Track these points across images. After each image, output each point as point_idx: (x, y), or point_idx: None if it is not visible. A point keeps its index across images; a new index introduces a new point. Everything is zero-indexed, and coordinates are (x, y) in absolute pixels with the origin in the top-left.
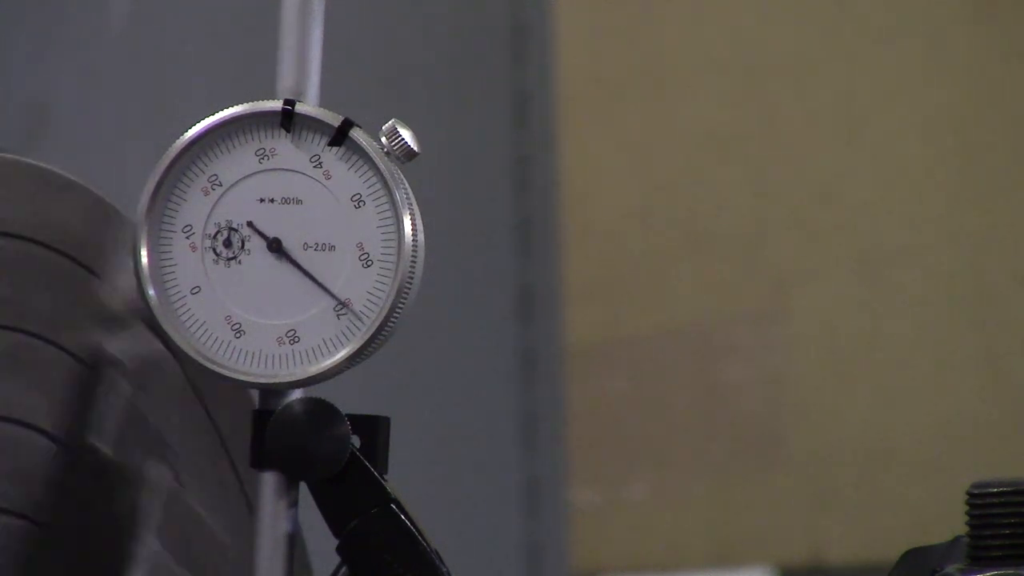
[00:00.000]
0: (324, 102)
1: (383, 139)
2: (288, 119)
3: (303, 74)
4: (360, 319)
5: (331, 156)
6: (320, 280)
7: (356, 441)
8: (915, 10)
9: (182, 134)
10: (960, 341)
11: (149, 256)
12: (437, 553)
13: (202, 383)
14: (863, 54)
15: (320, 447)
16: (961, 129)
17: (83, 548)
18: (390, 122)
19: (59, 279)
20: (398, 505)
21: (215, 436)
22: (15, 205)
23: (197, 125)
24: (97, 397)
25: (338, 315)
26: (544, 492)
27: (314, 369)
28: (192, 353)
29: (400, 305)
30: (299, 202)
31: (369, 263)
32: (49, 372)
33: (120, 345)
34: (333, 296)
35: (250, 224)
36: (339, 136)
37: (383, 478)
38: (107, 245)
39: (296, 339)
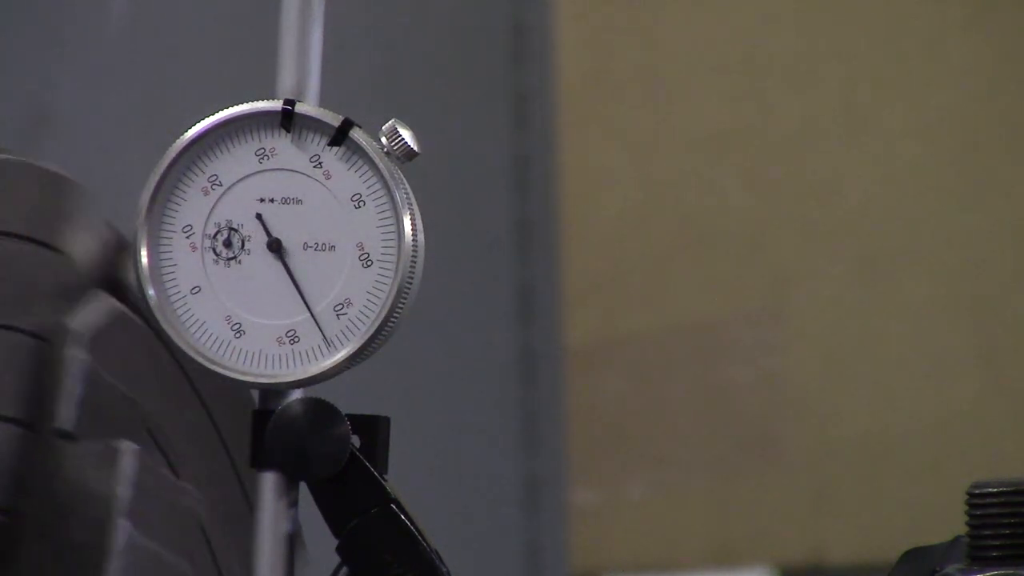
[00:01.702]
0: (324, 102)
1: (383, 139)
2: (288, 119)
3: (303, 74)
4: (352, 330)
5: (331, 156)
6: (319, 282)
7: (356, 441)
8: (914, 10)
9: (182, 134)
10: (960, 341)
11: (149, 256)
12: (437, 553)
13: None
14: (863, 54)
15: (320, 447)
16: (961, 129)
17: (54, 536)
18: (390, 122)
19: (10, 262)
20: (398, 505)
21: (211, 425)
22: None
23: (197, 125)
24: (58, 376)
25: (338, 315)
26: (544, 492)
27: (314, 369)
28: (192, 353)
29: (400, 305)
30: (299, 202)
31: (369, 263)
32: (4, 355)
33: (79, 316)
34: (312, 314)
35: (258, 216)
36: (339, 136)
37: (383, 478)
38: (62, 217)
39: (296, 339)
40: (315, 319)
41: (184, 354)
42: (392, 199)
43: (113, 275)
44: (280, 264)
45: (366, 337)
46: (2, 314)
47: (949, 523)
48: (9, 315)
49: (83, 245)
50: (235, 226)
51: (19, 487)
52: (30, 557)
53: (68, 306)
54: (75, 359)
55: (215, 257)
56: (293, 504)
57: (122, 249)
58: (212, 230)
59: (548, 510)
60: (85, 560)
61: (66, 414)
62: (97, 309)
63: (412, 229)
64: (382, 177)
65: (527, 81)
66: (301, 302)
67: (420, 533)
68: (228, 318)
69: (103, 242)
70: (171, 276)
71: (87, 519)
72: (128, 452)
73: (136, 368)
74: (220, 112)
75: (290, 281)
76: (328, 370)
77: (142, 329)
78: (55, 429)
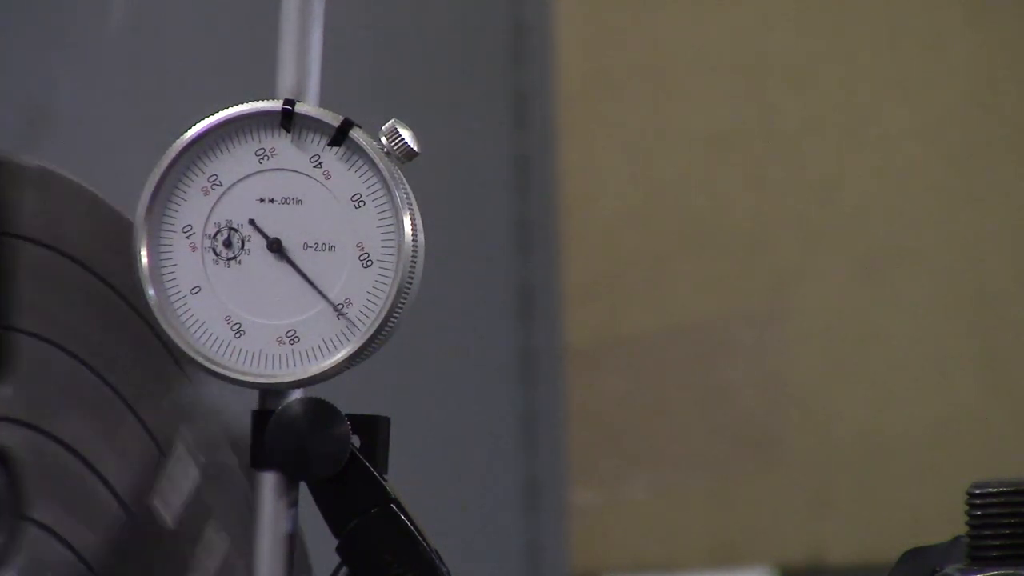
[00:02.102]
0: (324, 102)
1: (383, 139)
2: (288, 119)
3: (303, 74)
4: (355, 325)
5: (331, 156)
6: (319, 281)
7: (356, 441)
8: (914, 10)
9: (182, 134)
10: (960, 341)
11: (149, 256)
12: (437, 553)
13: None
14: (863, 54)
15: (320, 447)
16: (961, 129)
17: None
18: (390, 122)
19: (104, 308)
20: (398, 505)
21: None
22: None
23: (197, 125)
24: (168, 463)
25: (338, 315)
26: (544, 492)
27: (314, 369)
28: (192, 353)
29: (400, 305)
30: (299, 202)
31: (369, 263)
32: (122, 426)
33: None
34: (328, 301)
35: (252, 222)
36: (339, 136)
37: (383, 478)
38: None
39: (296, 339)
40: (333, 306)
41: (184, 354)
42: (392, 199)
43: None
44: (280, 264)
45: (366, 337)
46: (102, 365)
47: (949, 523)
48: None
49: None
50: (235, 226)
51: (109, 556)
52: None
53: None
54: (188, 452)
55: (215, 257)
56: (293, 504)
57: None
58: (212, 230)
59: (548, 510)
60: None
61: (170, 501)
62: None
63: (412, 229)
64: (382, 177)
65: (527, 81)
66: (302, 301)
67: (420, 533)
68: (228, 318)
69: None
70: (171, 276)
71: None
72: (214, 537)
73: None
74: (220, 112)
75: (290, 281)
76: (328, 370)
77: None
78: (153, 511)
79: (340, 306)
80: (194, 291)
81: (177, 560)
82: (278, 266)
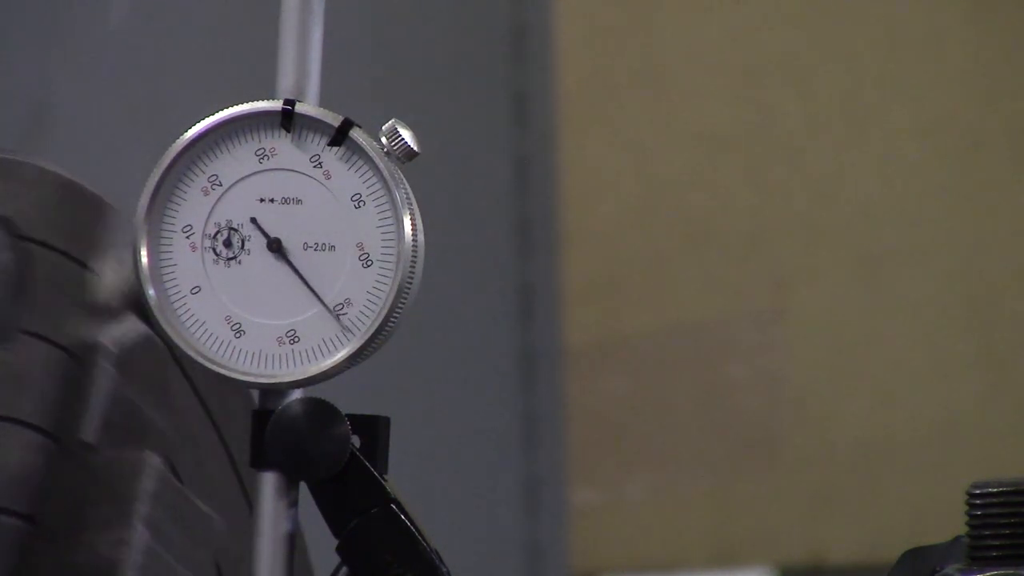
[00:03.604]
0: (324, 102)
1: (383, 139)
2: (288, 119)
3: (303, 74)
4: (352, 330)
5: (331, 156)
6: (319, 281)
7: (356, 441)
8: (915, 10)
9: (182, 134)
10: (960, 341)
11: (149, 256)
12: (437, 553)
13: (198, 377)
14: (863, 54)
15: (320, 447)
16: (961, 129)
17: (74, 542)
18: (390, 122)
19: (50, 274)
20: (398, 505)
21: (213, 432)
22: (10, 203)
23: (197, 125)
24: (86, 389)
25: (338, 315)
26: (544, 492)
27: (314, 369)
28: (192, 353)
29: (400, 305)
30: (299, 202)
31: (369, 263)
32: (37, 367)
33: (110, 334)
34: (324, 304)
35: (253, 220)
36: (339, 136)
37: (383, 478)
38: (100, 239)
39: (296, 339)
40: (328, 309)
41: (192, 363)
42: (392, 199)
43: (140, 299)
44: (280, 264)
45: (366, 337)
46: (39, 325)
47: (949, 523)
48: (44, 326)
49: (113, 268)
50: (235, 226)
51: (41, 495)
52: (47, 566)
53: (98, 324)
54: (104, 374)
55: (215, 257)
56: (293, 504)
57: None
58: (212, 230)
59: (548, 510)
60: (101, 571)
61: (91, 426)
62: (126, 329)
63: (412, 229)
64: (382, 177)
65: (527, 81)
66: (302, 301)
67: (420, 533)
68: (228, 318)
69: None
70: (171, 276)
71: (107, 528)
72: (152, 464)
73: (157, 391)
74: (220, 112)
75: (290, 281)
76: (328, 370)
77: (165, 354)
78: (79, 441)
79: (339, 307)
80: (194, 291)
81: None
82: (278, 266)
